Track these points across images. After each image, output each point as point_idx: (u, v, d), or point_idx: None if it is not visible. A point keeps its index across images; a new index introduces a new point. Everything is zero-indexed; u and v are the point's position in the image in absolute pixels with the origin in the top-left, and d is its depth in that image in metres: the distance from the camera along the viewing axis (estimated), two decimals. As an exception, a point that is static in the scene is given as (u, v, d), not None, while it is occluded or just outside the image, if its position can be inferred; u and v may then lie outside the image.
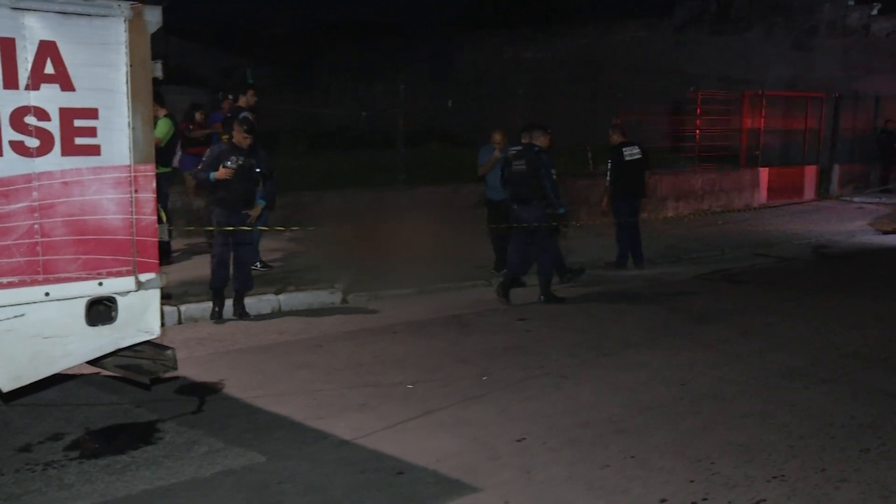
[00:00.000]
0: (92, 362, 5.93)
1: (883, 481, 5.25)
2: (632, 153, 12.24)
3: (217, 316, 8.94)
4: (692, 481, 5.19)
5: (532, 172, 10.00)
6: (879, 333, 8.86)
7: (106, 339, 5.70)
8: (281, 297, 9.16)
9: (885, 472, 5.38)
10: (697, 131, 20.25)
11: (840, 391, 6.94)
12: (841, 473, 5.33)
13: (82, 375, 6.84)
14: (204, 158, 8.93)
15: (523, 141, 10.31)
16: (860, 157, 23.51)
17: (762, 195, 20.69)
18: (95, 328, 5.62)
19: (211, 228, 9.06)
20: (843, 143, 23.14)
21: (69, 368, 5.83)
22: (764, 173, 20.81)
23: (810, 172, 22.10)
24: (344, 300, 10.04)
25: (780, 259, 13.57)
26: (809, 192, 21.94)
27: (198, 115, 13.21)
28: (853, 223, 17.73)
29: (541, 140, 10.23)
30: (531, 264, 10.39)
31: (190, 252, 11.99)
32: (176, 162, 13.10)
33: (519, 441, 5.78)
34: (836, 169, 22.88)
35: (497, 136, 11.16)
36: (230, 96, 13.02)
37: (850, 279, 12.10)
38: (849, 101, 23.23)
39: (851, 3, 26.11)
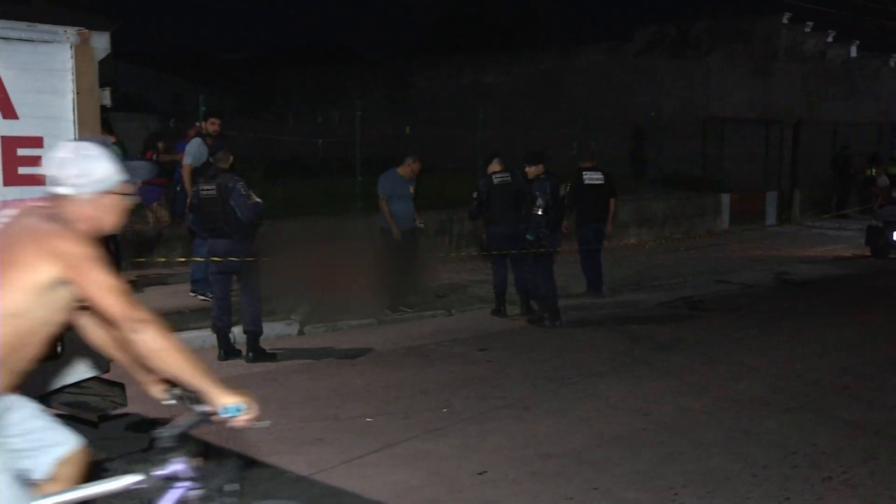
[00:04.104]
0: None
1: (847, 511, 5.20)
2: (592, 178, 12.18)
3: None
4: (656, 513, 5.11)
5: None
6: (840, 361, 8.86)
7: (50, 376, 5.51)
8: (235, 329, 8.97)
9: (847, 499, 5.35)
10: (659, 156, 20.35)
11: (802, 420, 6.90)
12: (805, 502, 5.27)
13: (26, 413, 6.59)
14: (244, 192, 8.28)
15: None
16: (820, 182, 23.78)
17: (724, 220, 20.81)
18: (39, 364, 5.41)
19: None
20: (804, 168, 23.41)
21: (11, 407, 5.60)
22: (726, 199, 20.95)
23: (772, 198, 22.31)
24: (301, 331, 9.90)
25: (742, 286, 13.60)
26: (771, 217, 22.14)
27: (161, 144, 13.08)
28: (814, 249, 17.88)
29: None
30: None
31: (141, 284, 11.75)
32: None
33: (481, 474, 5.67)
34: (797, 194, 23.11)
35: (416, 166, 11.06)
36: (197, 124, 12.85)
37: (812, 306, 12.13)
38: (808, 127, 23.52)
39: (808, 30, 26.52)
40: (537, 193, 10.17)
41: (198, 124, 12.99)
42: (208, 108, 12.47)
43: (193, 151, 10.85)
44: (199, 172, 10.35)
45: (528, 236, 10.29)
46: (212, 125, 11.00)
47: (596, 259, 12.28)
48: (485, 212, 10.86)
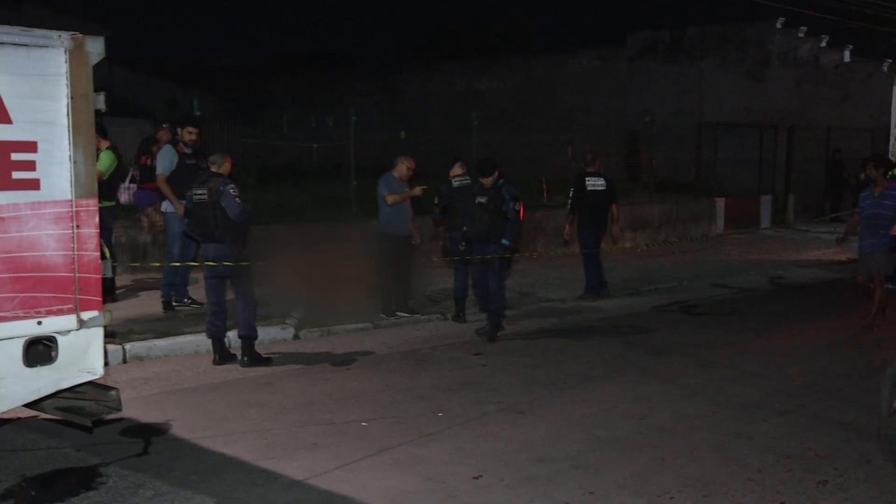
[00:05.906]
0: (30, 405, 5.70)
1: (842, 514, 5.21)
2: (594, 184, 12.23)
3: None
4: (651, 518, 5.11)
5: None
6: (834, 364, 8.89)
7: (45, 381, 5.51)
8: (229, 333, 8.96)
9: (841, 503, 5.36)
10: (653, 161, 20.37)
11: (797, 423, 6.91)
12: (800, 507, 5.28)
13: (18, 419, 6.57)
14: (235, 193, 8.30)
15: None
16: (814, 186, 23.82)
17: (719, 225, 20.83)
18: (34, 369, 5.42)
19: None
20: (797, 172, 23.46)
21: (5, 412, 5.61)
22: (720, 203, 20.97)
23: (766, 202, 22.34)
24: (296, 336, 9.87)
25: (737, 290, 13.61)
26: (766, 221, 22.16)
27: (154, 148, 13.03)
28: (808, 252, 17.90)
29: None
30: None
31: (136, 289, 11.74)
32: (129, 198, 12.90)
33: (476, 479, 5.67)
34: (791, 198, 23.16)
35: (411, 163, 10.78)
36: (164, 126, 12.68)
37: (806, 309, 12.15)
38: (801, 132, 23.58)
39: (801, 35, 26.57)
40: (507, 197, 9.72)
41: (164, 125, 12.79)
42: (200, 112, 12.36)
43: (165, 159, 10.36)
44: (171, 180, 10.24)
45: (504, 241, 9.75)
46: (188, 134, 10.45)
47: (595, 262, 12.32)
48: (447, 216, 10.82)
